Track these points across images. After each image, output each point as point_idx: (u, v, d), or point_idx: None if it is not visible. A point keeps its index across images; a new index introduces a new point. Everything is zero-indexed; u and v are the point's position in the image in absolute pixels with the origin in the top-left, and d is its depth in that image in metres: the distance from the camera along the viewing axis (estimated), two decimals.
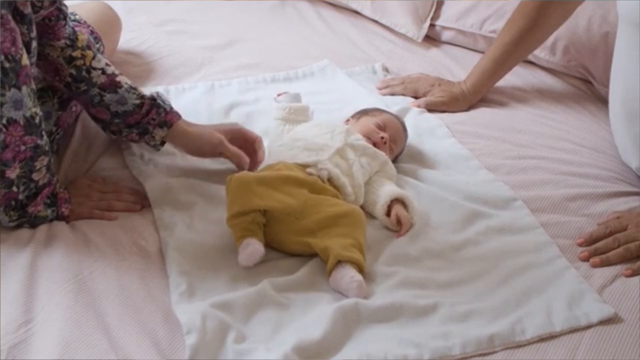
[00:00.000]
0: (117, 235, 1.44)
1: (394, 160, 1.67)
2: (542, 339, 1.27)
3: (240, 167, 1.59)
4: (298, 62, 2.08)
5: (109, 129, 1.61)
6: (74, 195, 1.50)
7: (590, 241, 1.47)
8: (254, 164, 1.61)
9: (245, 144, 1.62)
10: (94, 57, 1.56)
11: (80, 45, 1.55)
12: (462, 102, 1.91)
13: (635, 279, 1.39)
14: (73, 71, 1.55)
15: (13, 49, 1.31)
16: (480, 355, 1.24)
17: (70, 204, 1.47)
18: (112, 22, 1.99)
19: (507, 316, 1.30)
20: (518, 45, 1.88)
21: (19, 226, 1.43)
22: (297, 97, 1.73)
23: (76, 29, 1.58)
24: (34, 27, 1.38)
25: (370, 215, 1.53)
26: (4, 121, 1.32)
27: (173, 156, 1.67)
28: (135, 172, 1.61)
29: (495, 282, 1.38)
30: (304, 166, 1.50)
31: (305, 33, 2.26)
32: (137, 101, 1.57)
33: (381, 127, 1.65)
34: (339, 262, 1.34)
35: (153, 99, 1.58)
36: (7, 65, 1.31)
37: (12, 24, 1.31)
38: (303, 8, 2.39)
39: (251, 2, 2.39)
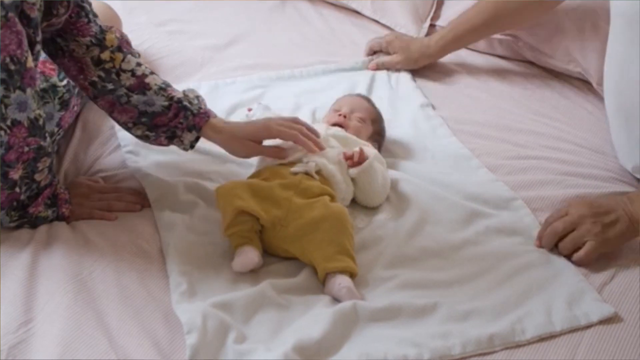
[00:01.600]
0: (117, 235, 1.45)
1: (380, 135, 1.71)
2: (542, 339, 1.27)
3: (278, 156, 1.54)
4: (298, 62, 2.08)
5: (134, 132, 1.57)
6: (74, 195, 1.50)
7: (551, 238, 1.45)
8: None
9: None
10: (123, 59, 1.54)
11: (109, 45, 1.53)
12: (420, 60, 2.02)
13: (635, 278, 1.39)
14: (102, 73, 1.53)
15: (19, 51, 1.31)
16: (480, 355, 1.24)
17: (70, 204, 1.48)
18: (113, 22, 1.99)
19: (507, 316, 1.30)
20: (487, 26, 1.99)
21: (19, 226, 1.44)
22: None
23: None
24: (39, 31, 1.39)
25: (368, 215, 1.53)
26: (9, 122, 1.33)
27: (173, 156, 1.67)
28: (135, 172, 1.61)
29: (495, 281, 1.38)
30: (289, 165, 1.49)
31: (305, 33, 2.26)
32: (166, 103, 1.54)
33: (337, 109, 1.69)
34: (328, 273, 1.34)
35: (180, 102, 1.54)
36: (12, 67, 1.31)
37: (19, 26, 1.31)
38: (303, 8, 2.39)
39: (251, 2, 2.39)
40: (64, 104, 1.64)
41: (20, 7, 1.32)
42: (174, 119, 1.54)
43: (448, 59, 2.08)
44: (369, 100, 1.77)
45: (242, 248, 1.37)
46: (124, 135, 1.70)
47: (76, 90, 1.68)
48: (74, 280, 1.32)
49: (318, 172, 1.48)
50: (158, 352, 1.22)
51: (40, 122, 1.38)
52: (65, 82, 1.65)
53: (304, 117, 1.80)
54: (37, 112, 1.37)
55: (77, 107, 1.71)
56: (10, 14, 1.29)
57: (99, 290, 1.32)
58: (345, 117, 1.65)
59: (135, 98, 1.53)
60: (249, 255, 1.36)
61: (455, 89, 1.98)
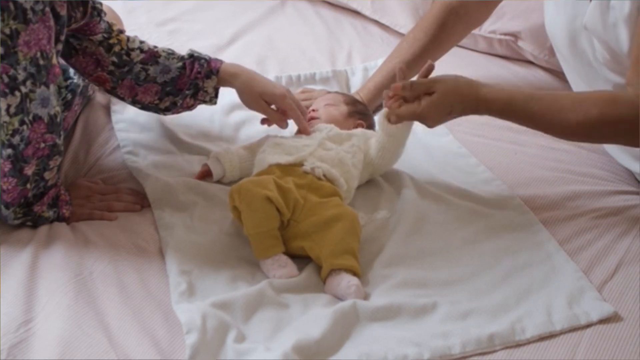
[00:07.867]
0: (117, 235, 1.45)
1: (363, 114, 1.72)
2: (541, 338, 1.27)
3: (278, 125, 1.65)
4: (298, 62, 2.08)
5: (162, 106, 1.62)
6: (74, 197, 1.50)
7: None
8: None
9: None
10: (128, 40, 1.59)
11: (114, 30, 1.58)
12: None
13: (635, 277, 1.39)
14: (114, 58, 1.57)
15: (48, 47, 1.33)
16: (480, 354, 1.24)
17: (70, 205, 1.48)
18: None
19: (506, 315, 1.30)
20: (417, 62, 1.86)
21: (20, 225, 1.44)
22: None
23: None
24: (64, 30, 1.40)
25: (368, 212, 1.53)
26: (30, 117, 1.33)
27: (173, 156, 1.67)
28: (135, 172, 1.61)
29: (495, 280, 1.38)
30: (297, 165, 1.50)
31: (305, 33, 2.26)
32: (179, 64, 1.60)
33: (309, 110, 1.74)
34: (333, 270, 1.35)
35: (191, 56, 1.61)
36: (41, 62, 1.32)
37: (51, 22, 1.32)
38: (303, 8, 2.39)
39: (251, 2, 2.39)
40: (66, 105, 1.64)
41: (52, 3, 1.33)
42: (192, 72, 1.59)
43: (446, 58, 2.09)
44: (337, 92, 1.81)
45: (280, 256, 1.38)
46: (123, 136, 1.70)
47: (79, 90, 1.68)
48: (74, 280, 1.32)
49: (324, 175, 1.50)
50: (158, 351, 1.22)
51: (58, 119, 1.39)
52: (68, 82, 1.66)
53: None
54: (57, 109, 1.39)
55: (77, 107, 1.72)
56: (47, 9, 1.31)
57: (99, 290, 1.32)
58: (314, 110, 1.69)
59: (152, 70, 1.58)
60: (291, 269, 1.37)
61: None
